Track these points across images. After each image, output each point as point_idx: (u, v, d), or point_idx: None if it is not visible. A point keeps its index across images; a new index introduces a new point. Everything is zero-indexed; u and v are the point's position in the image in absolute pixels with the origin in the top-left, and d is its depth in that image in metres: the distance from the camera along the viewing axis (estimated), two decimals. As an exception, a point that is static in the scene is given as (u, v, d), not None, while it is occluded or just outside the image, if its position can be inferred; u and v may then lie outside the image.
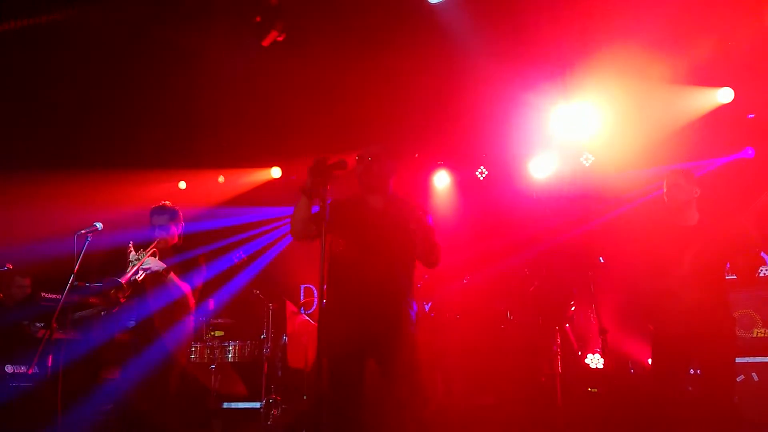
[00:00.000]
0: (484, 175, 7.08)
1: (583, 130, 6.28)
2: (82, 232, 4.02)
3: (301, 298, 7.59)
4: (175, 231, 4.37)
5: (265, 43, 4.99)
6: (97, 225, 4.08)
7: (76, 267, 3.94)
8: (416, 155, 6.86)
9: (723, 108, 5.77)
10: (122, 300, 3.89)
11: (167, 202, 4.38)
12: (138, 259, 3.95)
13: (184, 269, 4.19)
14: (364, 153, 3.44)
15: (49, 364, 3.86)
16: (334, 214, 3.24)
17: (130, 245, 4.05)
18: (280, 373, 6.06)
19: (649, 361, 5.44)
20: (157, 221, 4.30)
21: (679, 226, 3.90)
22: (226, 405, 6.02)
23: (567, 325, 5.53)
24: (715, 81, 5.68)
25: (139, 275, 3.91)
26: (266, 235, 7.79)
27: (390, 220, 3.40)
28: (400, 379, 3.25)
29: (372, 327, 3.25)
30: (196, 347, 6.24)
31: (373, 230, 3.37)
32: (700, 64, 5.28)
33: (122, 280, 3.81)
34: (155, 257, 4.05)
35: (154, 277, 4.00)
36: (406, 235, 3.31)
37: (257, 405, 5.92)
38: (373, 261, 3.31)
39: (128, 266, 3.93)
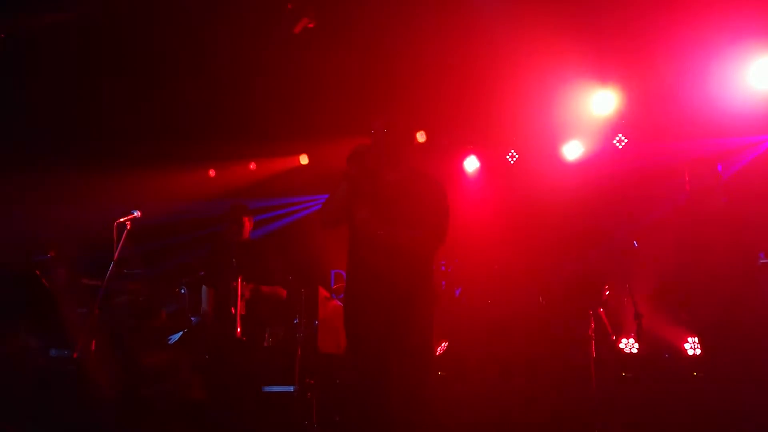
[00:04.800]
0: (514, 159, 7.00)
1: (615, 111, 6.16)
2: (121, 219, 4.10)
3: (332, 283, 7.63)
4: (248, 227, 4.92)
5: (296, 30, 5.00)
6: (135, 213, 4.16)
7: (116, 254, 4.03)
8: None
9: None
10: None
11: (238, 201, 4.89)
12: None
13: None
14: (377, 124, 3.27)
15: (92, 349, 3.96)
16: (354, 192, 3.21)
17: None
18: (312, 357, 6.12)
19: (687, 346, 5.38)
20: (230, 218, 4.85)
21: (704, 214, 3.80)
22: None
23: (601, 309, 5.47)
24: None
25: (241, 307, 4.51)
26: (296, 221, 7.85)
27: (404, 195, 3.25)
28: (409, 363, 3.16)
29: (385, 311, 3.15)
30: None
31: (384, 206, 3.22)
32: (743, 36, 5.11)
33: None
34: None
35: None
36: (421, 210, 3.20)
37: (291, 389, 5.99)
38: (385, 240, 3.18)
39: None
